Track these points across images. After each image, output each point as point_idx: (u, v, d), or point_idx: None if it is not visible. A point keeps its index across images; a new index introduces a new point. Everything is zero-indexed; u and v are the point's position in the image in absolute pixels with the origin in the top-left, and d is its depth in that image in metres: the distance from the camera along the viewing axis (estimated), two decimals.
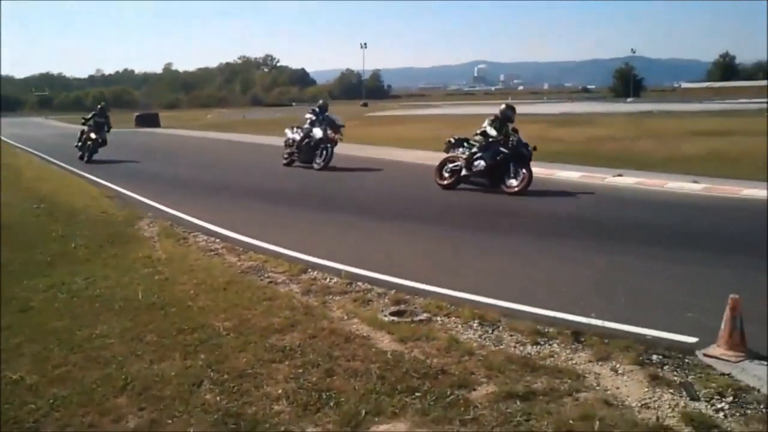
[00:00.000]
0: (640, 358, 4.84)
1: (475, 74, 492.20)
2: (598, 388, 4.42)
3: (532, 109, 57.01)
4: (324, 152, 18.19)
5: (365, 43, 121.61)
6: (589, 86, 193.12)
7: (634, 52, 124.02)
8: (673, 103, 65.47)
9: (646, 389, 4.39)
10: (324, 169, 17.98)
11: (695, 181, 13.87)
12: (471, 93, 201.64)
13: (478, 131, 14.28)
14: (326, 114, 18.84)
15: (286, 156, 19.27)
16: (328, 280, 7.19)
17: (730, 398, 4.23)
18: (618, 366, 4.74)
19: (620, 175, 15.10)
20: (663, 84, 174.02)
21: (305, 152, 18.60)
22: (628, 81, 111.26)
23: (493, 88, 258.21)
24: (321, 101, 20.35)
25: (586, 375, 4.62)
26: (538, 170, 16.60)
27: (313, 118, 18.71)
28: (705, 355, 4.90)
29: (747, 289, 5.91)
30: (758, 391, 4.32)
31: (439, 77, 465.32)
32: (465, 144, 14.36)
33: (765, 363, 4.71)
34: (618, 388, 4.42)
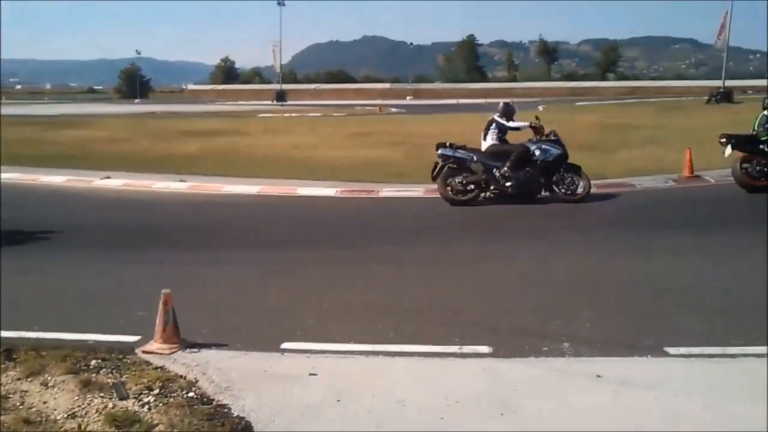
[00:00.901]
0: (77, 365, 4.75)
1: None
2: (21, 407, 4.17)
3: (29, 110, 52.70)
4: (574, 175, 11.66)
5: None
6: (96, 87, 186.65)
7: (139, 53, 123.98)
8: (178, 104, 67.67)
9: (77, 398, 4.31)
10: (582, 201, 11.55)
11: (182, 180, 14.50)
12: None
13: None
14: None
15: (471, 187, 11.66)
16: None
17: (157, 390, 4.43)
18: (50, 379, 4.56)
19: (108, 177, 14.89)
20: (171, 85, 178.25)
21: (527, 179, 11.62)
22: (134, 82, 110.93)
23: None
24: (507, 102, 12.50)
25: (11, 395, 4.32)
26: (20, 176, 15.37)
27: (509, 125, 11.88)
28: (143, 351, 5.07)
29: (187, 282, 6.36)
30: (184, 378, 4.63)
31: None
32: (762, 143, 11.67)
33: (196, 350, 5.10)
34: (45, 403, 4.24)
